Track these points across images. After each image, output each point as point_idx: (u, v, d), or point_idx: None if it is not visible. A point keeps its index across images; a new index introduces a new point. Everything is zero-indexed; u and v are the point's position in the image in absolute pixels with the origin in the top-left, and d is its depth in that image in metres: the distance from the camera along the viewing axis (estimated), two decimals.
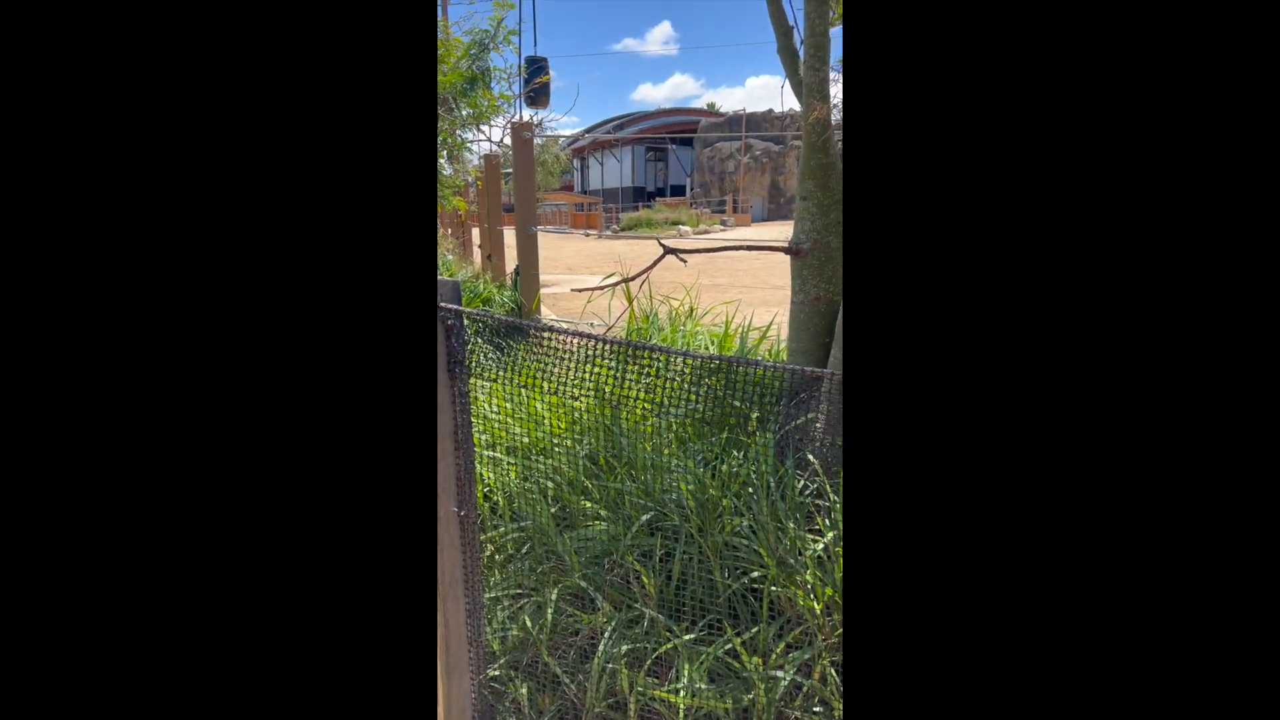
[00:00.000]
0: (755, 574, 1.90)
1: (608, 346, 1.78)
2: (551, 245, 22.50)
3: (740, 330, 3.70)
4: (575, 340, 1.72)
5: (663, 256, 2.55)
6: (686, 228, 28.19)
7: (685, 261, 2.62)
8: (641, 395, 1.73)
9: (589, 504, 2.19)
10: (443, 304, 1.62)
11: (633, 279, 2.75)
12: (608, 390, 1.72)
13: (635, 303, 4.23)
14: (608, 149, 50.35)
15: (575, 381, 1.71)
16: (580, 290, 3.87)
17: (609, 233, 29.88)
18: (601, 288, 3.14)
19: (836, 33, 2.34)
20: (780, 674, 1.79)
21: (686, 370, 1.74)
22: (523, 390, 2.02)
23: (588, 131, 54.38)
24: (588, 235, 24.29)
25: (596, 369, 1.71)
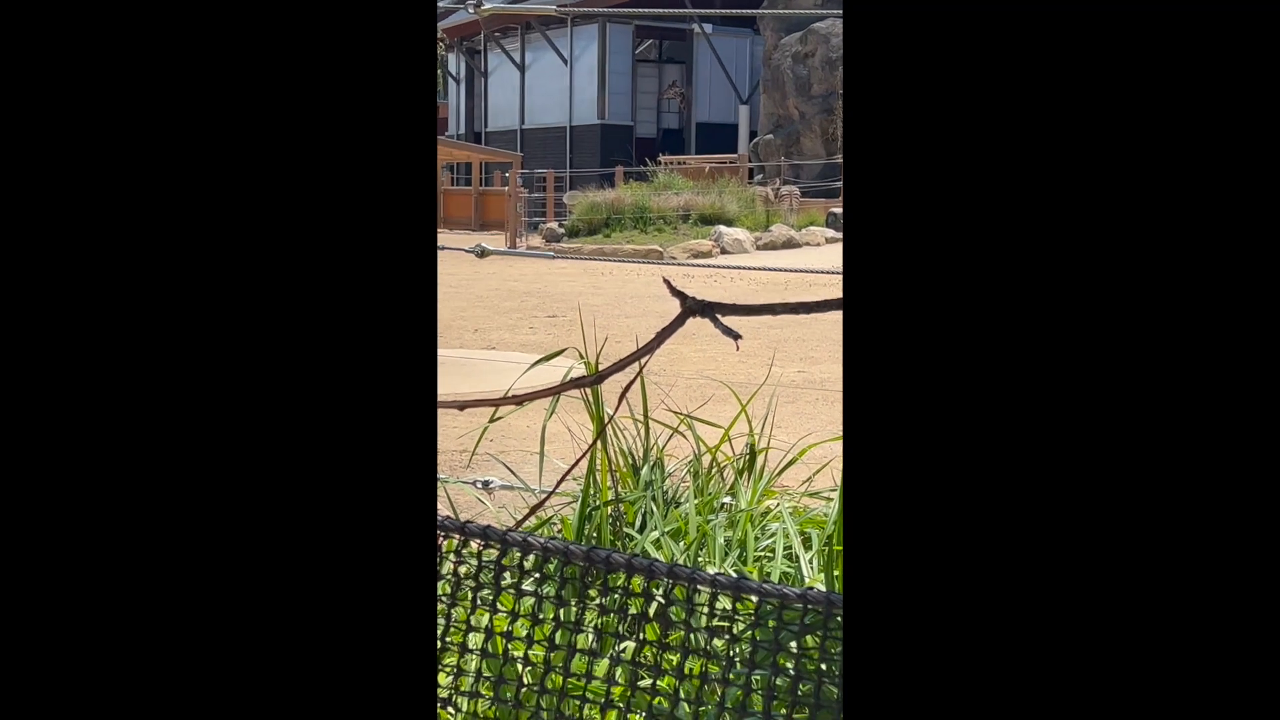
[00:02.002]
0: None
1: (545, 558, 1.20)
2: None
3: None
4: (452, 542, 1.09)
5: (679, 324, 1.20)
6: (739, 231, 17.93)
7: (736, 337, 1.21)
8: (621, 681, 1.14)
9: None
10: None
11: (606, 374, 1.27)
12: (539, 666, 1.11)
13: (611, 431, 2.42)
14: (538, 33, 31.81)
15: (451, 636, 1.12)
16: (476, 404, 1.41)
17: (540, 242, 19.85)
18: (521, 399, 1.33)
19: None
20: None
21: (741, 620, 1.12)
22: None
23: None
24: (480, 253, 3.51)
25: (511, 608, 1.10)
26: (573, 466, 1.42)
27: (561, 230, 20.32)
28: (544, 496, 1.66)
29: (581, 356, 2.51)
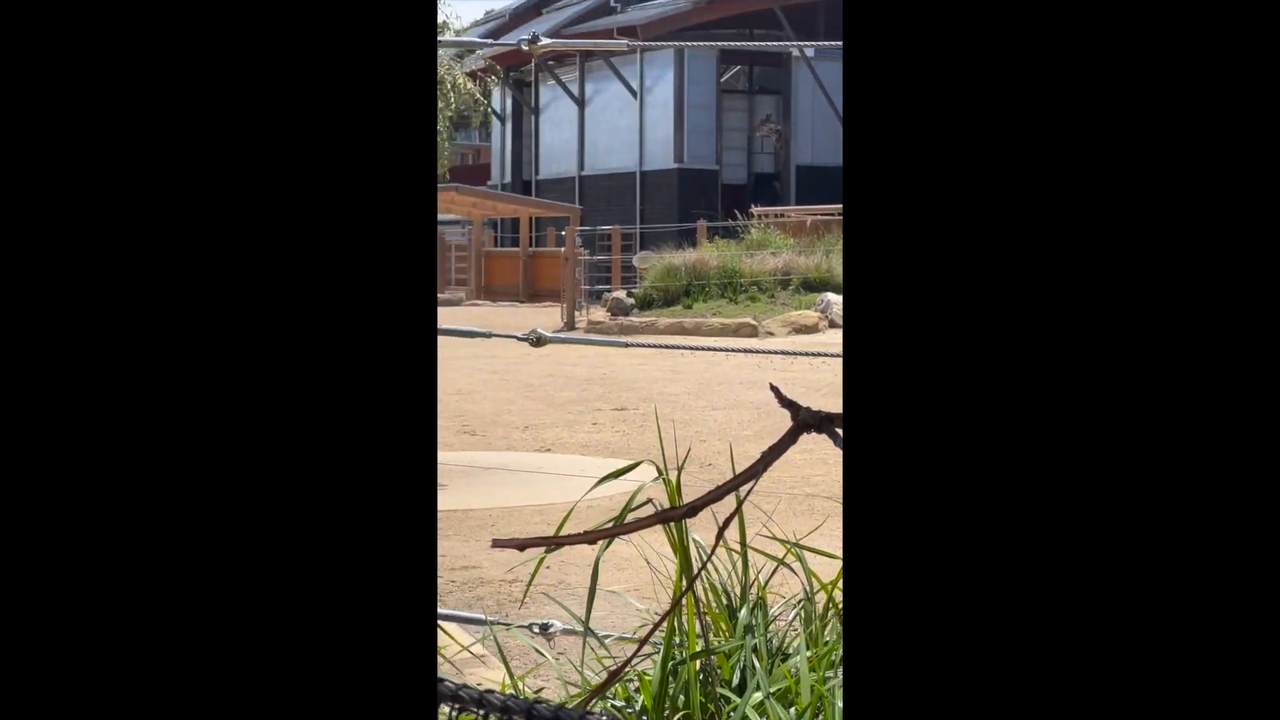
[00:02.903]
0: None
1: None
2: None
3: None
4: None
5: (790, 441, 1.21)
6: None
7: None
8: None
9: None
10: None
11: (700, 505, 1.23)
12: None
13: (699, 560, 2.30)
14: (601, 60, 32.86)
15: None
16: (539, 543, 1.31)
17: (604, 316, 20.16)
18: (596, 536, 1.27)
19: None
20: None
21: None
22: None
23: (539, 9, 36.51)
24: (534, 341, 3.32)
25: None
26: (661, 620, 1.41)
27: (631, 300, 20.43)
28: (627, 659, 1.64)
29: (660, 472, 2.49)
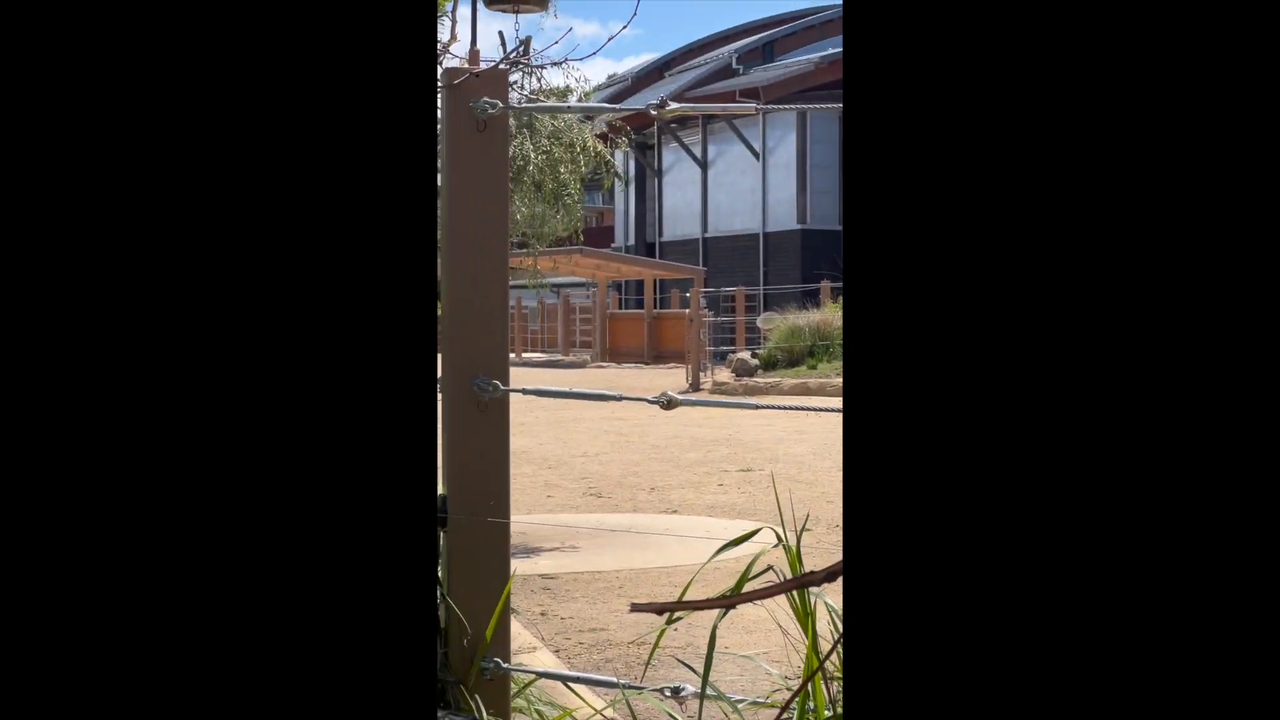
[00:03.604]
0: None
1: None
2: (563, 414, 14.24)
3: None
4: None
5: None
6: None
7: None
8: None
9: None
10: None
11: (837, 571, 1.24)
12: None
13: (830, 624, 2.13)
14: (724, 122, 33.14)
15: None
16: (655, 610, 1.42)
17: (728, 377, 19.63)
18: (734, 601, 1.31)
19: None
20: None
21: None
22: None
23: (660, 72, 37.34)
24: (665, 404, 2.93)
25: None
26: (797, 693, 1.40)
27: (755, 361, 20.39)
28: None
29: (779, 538, 2.47)
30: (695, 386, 19.64)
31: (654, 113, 3.01)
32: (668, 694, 2.85)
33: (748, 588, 2.28)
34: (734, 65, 34.45)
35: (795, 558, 2.45)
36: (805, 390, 17.89)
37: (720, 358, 22.50)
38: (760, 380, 19.06)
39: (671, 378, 20.72)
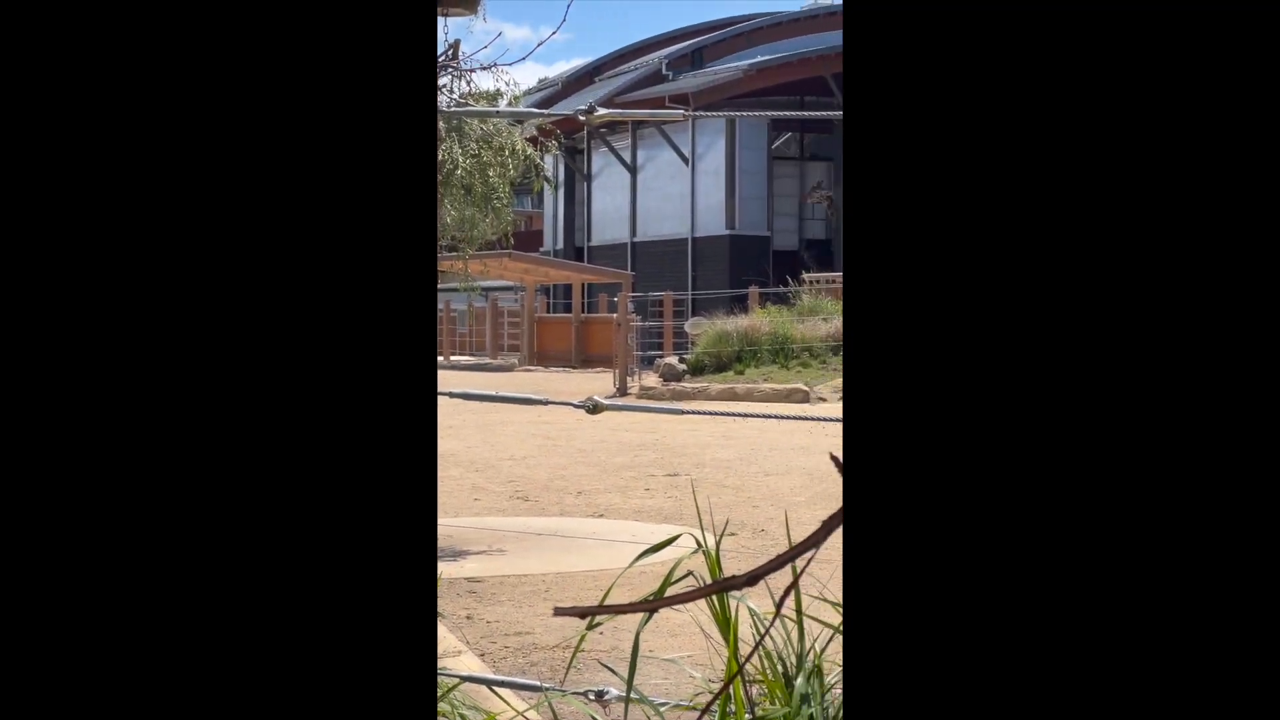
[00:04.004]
0: None
1: None
2: (490, 417, 14.52)
3: None
4: None
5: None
6: None
7: None
8: None
9: None
10: None
11: (759, 575, 1.12)
12: None
13: (753, 628, 2.29)
14: (653, 128, 32.74)
15: None
16: (579, 614, 1.18)
17: (656, 381, 19.87)
18: (655, 605, 1.17)
19: None
20: None
21: None
22: None
23: (591, 77, 37.23)
24: (591, 408, 2.95)
25: None
26: (716, 696, 1.41)
27: (682, 366, 20.44)
28: None
29: (699, 544, 2.49)
30: (623, 391, 19.64)
31: (583, 118, 3.02)
32: (592, 697, 2.86)
33: (671, 592, 2.30)
34: (664, 71, 34.52)
35: (715, 563, 2.47)
36: (732, 395, 17.94)
37: (648, 362, 22.51)
38: (688, 385, 19.09)
39: (599, 382, 20.69)
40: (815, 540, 1.37)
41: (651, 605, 1.45)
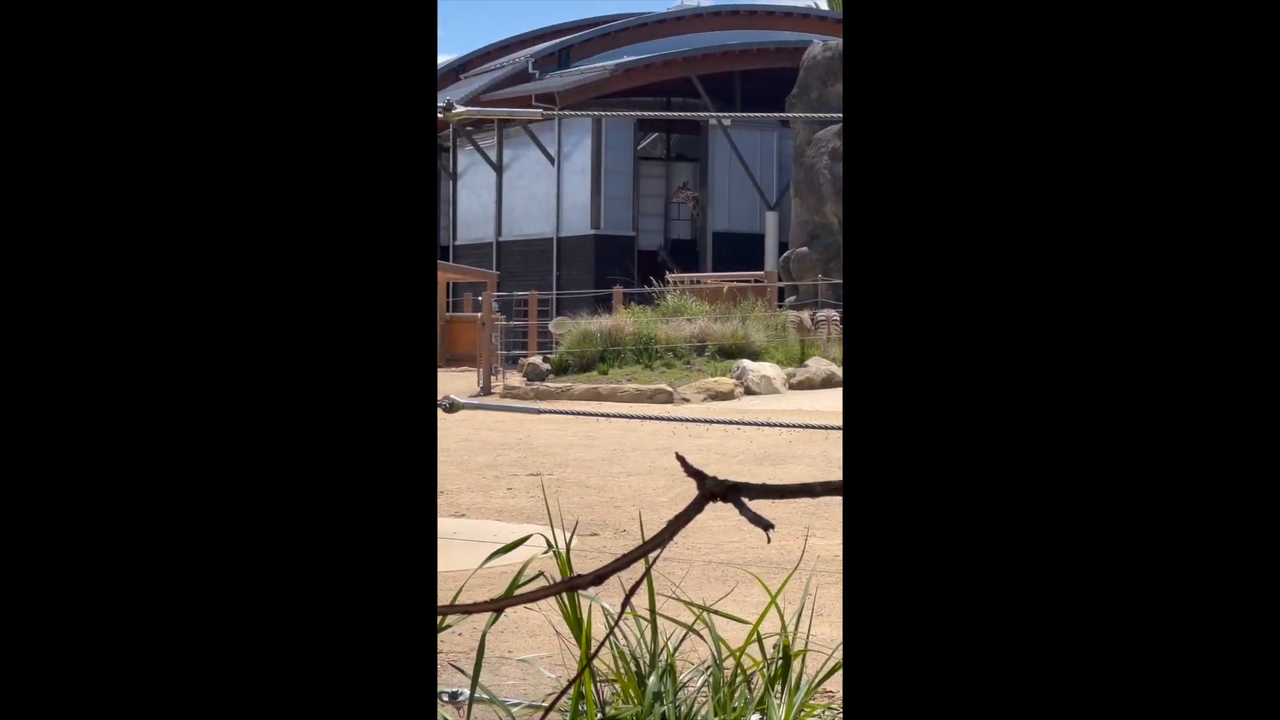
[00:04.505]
0: None
1: None
2: None
3: None
4: None
5: (696, 510, 1.22)
6: (768, 367, 18.67)
7: (768, 527, 1.20)
8: None
9: None
10: None
11: (606, 573, 1.22)
12: None
13: (613, 656, 2.43)
14: (519, 127, 32.61)
15: None
16: (450, 611, 1.32)
17: (520, 381, 19.74)
18: (503, 604, 1.28)
19: None
20: None
21: None
22: None
23: (457, 74, 36.72)
24: (448, 407, 5.11)
25: None
26: (564, 690, 1.42)
27: (546, 366, 20.39)
28: None
29: (549, 544, 2.49)
30: (486, 390, 19.54)
31: (442, 115, 3.01)
32: (445, 698, 2.84)
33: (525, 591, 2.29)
34: (530, 70, 34.41)
35: (565, 562, 2.47)
36: (596, 395, 17.95)
37: (512, 362, 22.43)
38: (551, 385, 19.06)
39: (463, 381, 20.55)
40: (660, 540, 1.37)
41: (497, 605, 1.45)
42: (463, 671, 3.26)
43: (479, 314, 22.30)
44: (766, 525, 1.32)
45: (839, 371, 18.84)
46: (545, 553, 2.52)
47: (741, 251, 31.45)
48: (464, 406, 2.99)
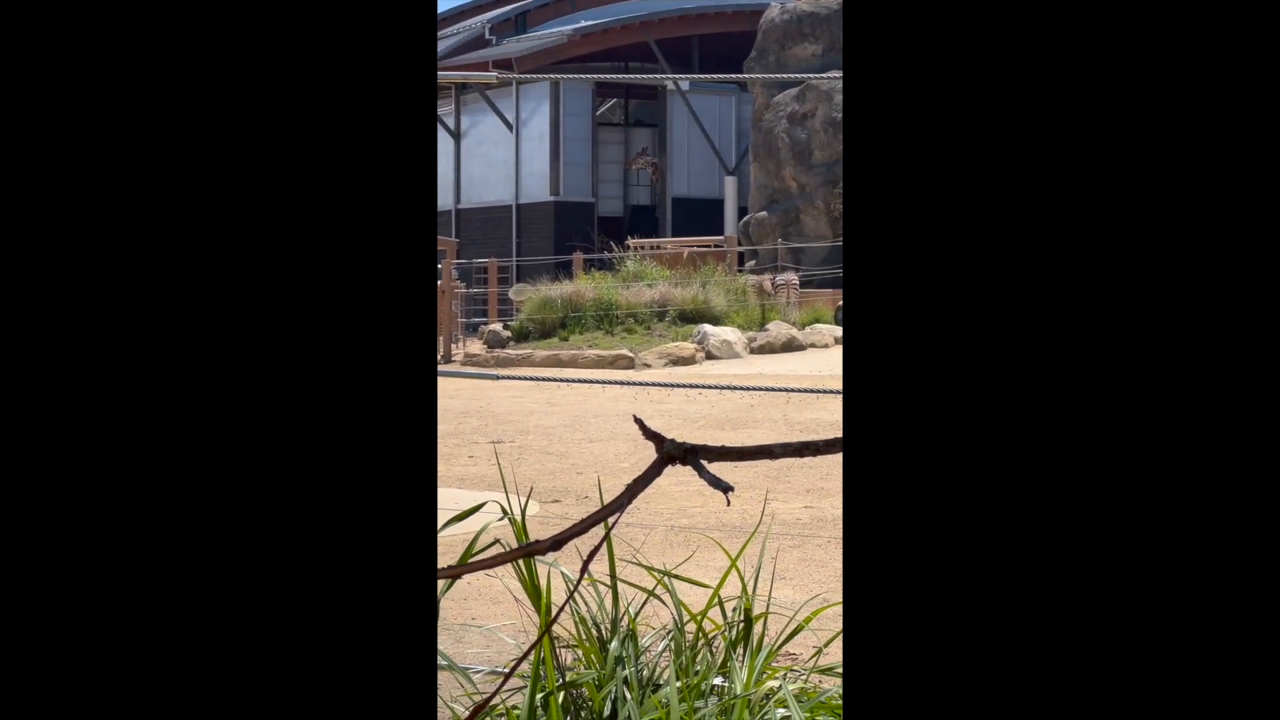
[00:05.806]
0: None
1: None
2: None
3: None
4: None
5: (655, 473, 1.24)
6: (728, 331, 18.74)
7: (727, 490, 1.25)
8: None
9: None
10: None
11: (564, 539, 1.27)
12: None
13: (574, 622, 2.55)
14: (476, 93, 32.81)
15: None
16: None
17: (480, 349, 20.25)
18: (458, 571, 1.38)
19: None
20: None
21: None
22: None
23: None
24: None
25: None
26: (525, 655, 1.41)
27: (507, 333, 20.39)
28: (491, 692, 1.64)
29: (504, 511, 2.48)
30: (447, 358, 19.49)
31: None
32: None
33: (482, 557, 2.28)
34: (487, 36, 34.23)
35: (520, 529, 2.46)
36: (557, 362, 17.94)
37: (473, 329, 22.39)
38: (512, 352, 19.05)
39: None
40: (619, 505, 1.37)
41: (454, 572, 1.44)
42: None
43: (439, 282, 22.20)
44: (726, 488, 1.32)
45: (799, 335, 18.91)
46: (502, 519, 2.51)
47: (701, 216, 31.40)
48: None
